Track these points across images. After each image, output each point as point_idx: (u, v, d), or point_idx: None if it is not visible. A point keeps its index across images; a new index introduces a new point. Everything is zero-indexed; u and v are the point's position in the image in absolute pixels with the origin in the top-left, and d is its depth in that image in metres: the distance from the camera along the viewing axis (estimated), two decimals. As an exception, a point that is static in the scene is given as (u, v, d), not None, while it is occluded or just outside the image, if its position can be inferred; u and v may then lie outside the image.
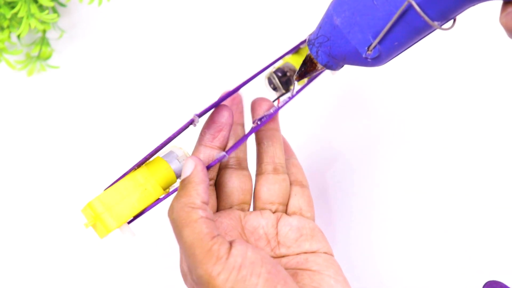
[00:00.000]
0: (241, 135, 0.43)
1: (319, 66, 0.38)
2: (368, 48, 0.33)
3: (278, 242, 0.39)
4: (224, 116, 0.39)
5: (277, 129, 0.42)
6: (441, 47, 0.65)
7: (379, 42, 0.33)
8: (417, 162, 0.59)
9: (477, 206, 0.57)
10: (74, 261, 0.55)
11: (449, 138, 0.61)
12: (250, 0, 0.70)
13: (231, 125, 0.40)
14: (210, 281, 0.31)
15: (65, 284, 0.54)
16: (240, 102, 0.43)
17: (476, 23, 0.62)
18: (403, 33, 0.32)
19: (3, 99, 0.65)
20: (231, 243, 0.32)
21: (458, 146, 0.60)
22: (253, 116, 0.42)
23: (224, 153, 0.36)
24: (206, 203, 0.34)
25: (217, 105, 0.38)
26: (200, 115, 0.37)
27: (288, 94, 0.45)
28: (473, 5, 0.30)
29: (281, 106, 0.41)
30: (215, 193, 0.41)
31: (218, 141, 0.39)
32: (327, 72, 0.42)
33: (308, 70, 0.39)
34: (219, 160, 0.36)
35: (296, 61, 0.46)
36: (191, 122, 0.37)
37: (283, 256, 0.38)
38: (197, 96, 0.62)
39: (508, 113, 0.61)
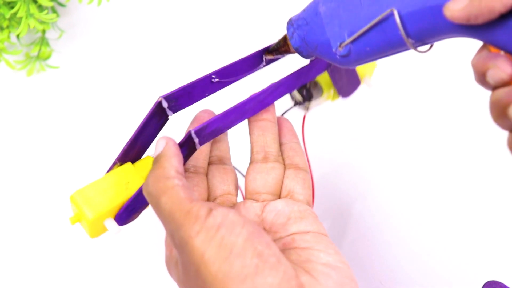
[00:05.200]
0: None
1: (292, 48, 0.37)
2: (340, 44, 0.33)
3: (264, 229, 0.37)
4: (206, 112, 0.40)
5: (270, 120, 0.41)
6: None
7: (352, 42, 0.32)
8: (417, 164, 0.59)
9: (476, 206, 0.56)
10: (71, 259, 0.55)
11: (447, 142, 0.61)
12: (245, 2, 0.70)
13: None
14: (189, 241, 0.29)
15: (61, 282, 0.54)
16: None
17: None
18: (377, 40, 0.31)
19: (2, 99, 0.65)
20: (213, 207, 0.31)
21: (458, 149, 0.60)
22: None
23: (191, 129, 0.35)
24: (182, 174, 0.33)
25: (186, 89, 0.38)
26: (166, 97, 0.37)
27: (309, 104, 0.45)
28: (454, 36, 0.29)
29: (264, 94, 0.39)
30: (205, 182, 0.40)
31: None
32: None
33: (280, 49, 0.38)
34: (187, 135, 0.35)
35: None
36: (158, 103, 0.37)
37: None
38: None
39: None
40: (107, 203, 0.36)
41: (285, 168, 0.40)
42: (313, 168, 0.53)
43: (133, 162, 0.39)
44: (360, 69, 0.47)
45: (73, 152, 0.61)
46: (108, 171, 0.38)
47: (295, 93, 0.46)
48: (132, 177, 0.37)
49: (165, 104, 0.37)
